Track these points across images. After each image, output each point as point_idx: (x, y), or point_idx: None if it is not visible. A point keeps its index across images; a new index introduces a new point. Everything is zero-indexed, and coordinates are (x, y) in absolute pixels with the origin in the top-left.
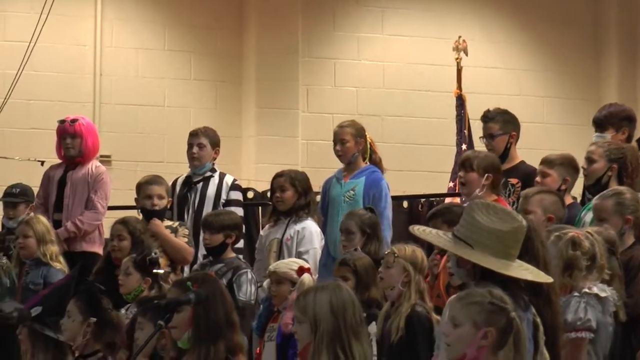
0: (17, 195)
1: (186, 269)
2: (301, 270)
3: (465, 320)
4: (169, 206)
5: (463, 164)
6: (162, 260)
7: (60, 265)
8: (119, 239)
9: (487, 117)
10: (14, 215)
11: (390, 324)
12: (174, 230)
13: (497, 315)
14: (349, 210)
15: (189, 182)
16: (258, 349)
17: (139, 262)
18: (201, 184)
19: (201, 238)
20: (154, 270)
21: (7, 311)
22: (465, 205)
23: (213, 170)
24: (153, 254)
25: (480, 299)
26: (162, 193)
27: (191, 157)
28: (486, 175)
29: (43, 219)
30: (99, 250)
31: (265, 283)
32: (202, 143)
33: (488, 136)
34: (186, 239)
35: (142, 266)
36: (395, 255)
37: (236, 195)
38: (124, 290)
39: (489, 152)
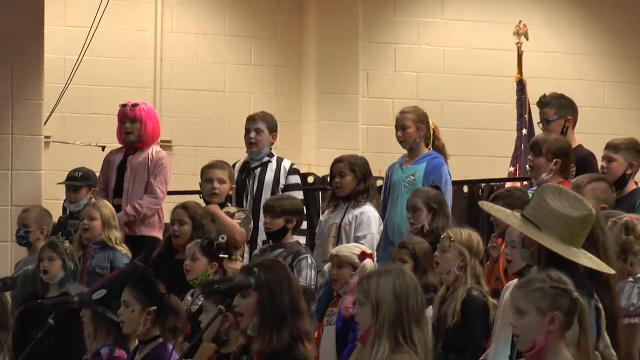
0: (80, 178)
1: (246, 255)
2: (363, 255)
3: (530, 308)
4: (231, 192)
5: (532, 147)
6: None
7: (125, 250)
8: (179, 224)
9: (542, 103)
10: (76, 199)
11: (446, 308)
12: (230, 216)
13: (561, 298)
14: (408, 195)
15: (246, 168)
16: (317, 333)
17: (206, 247)
18: (259, 169)
19: (261, 223)
20: (221, 255)
21: (76, 294)
22: (531, 189)
23: (270, 155)
24: (220, 238)
25: (541, 285)
26: (224, 177)
27: (248, 142)
28: (555, 160)
29: (109, 204)
30: (159, 234)
31: (326, 267)
32: (260, 128)
33: (544, 121)
34: (239, 221)
35: (208, 251)
36: (451, 239)
37: (295, 180)
38: (191, 276)
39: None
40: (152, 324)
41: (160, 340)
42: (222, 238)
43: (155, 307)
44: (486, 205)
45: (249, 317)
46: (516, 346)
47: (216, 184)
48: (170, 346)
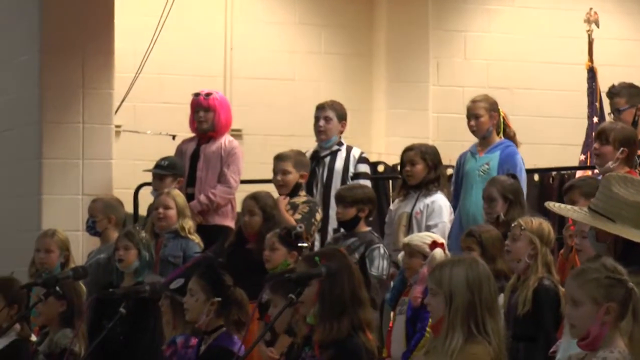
0: (165, 167)
1: (317, 244)
2: (434, 245)
3: (585, 299)
4: (303, 181)
5: (599, 136)
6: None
7: (197, 240)
8: (249, 215)
9: (612, 92)
10: (160, 187)
11: (516, 297)
12: (294, 207)
13: (616, 289)
14: (483, 184)
15: (316, 157)
16: (391, 322)
17: (284, 236)
18: (328, 157)
19: (331, 212)
20: (299, 244)
21: (144, 284)
22: (600, 177)
23: (340, 144)
24: (298, 227)
25: (596, 275)
26: (287, 168)
27: (318, 130)
28: (621, 149)
29: (181, 193)
30: (231, 223)
31: (400, 255)
32: (329, 116)
33: (615, 111)
34: (301, 216)
35: (287, 240)
36: (522, 228)
37: (364, 168)
38: (270, 265)
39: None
40: (215, 315)
41: (224, 329)
42: (300, 227)
43: (219, 299)
44: (552, 206)
45: (309, 305)
46: (570, 335)
47: (279, 177)
48: (236, 337)
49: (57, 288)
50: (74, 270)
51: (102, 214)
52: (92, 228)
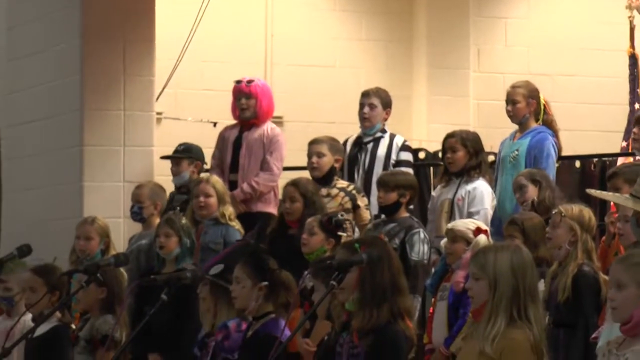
0: (181, 151)
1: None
2: (478, 231)
3: (630, 282)
4: (338, 166)
5: (638, 122)
6: None
7: (237, 226)
8: (290, 201)
9: None
10: (177, 171)
11: (557, 284)
12: (350, 195)
13: None
14: (513, 170)
15: (359, 143)
16: (431, 308)
17: (325, 223)
18: (371, 144)
19: (372, 199)
20: (339, 233)
21: (189, 270)
22: None
23: (383, 131)
24: (339, 215)
25: None
26: (323, 150)
27: (362, 117)
28: None
29: (220, 180)
30: (274, 210)
31: (443, 242)
32: (373, 103)
33: None
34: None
35: (327, 227)
36: (562, 214)
37: (406, 156)
38: (307, 249)
39: None
40: (264, 299)
41: (273, 315)
42: (342, 215)
43: (266, 283)
44: (594, 192)
45: (349, 292)
46: (612, 318)
47: (314, 158)
48: (282, 322)
49: (98, 275)
50: (115, 257)
51: (149, 200)
52: (137, 214)
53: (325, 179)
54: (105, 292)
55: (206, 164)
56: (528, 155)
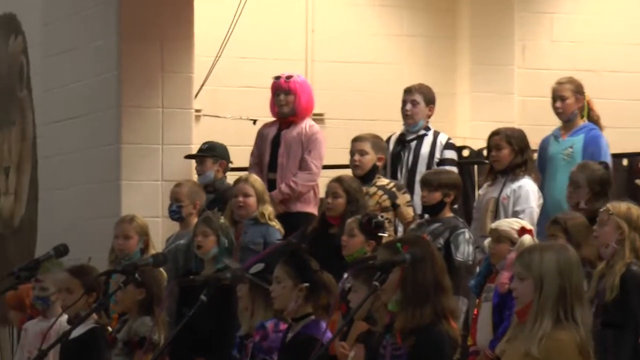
0: (204, 150)
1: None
2: (523, 231)
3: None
4: (380, 164)
5: None
6: None
7: (277, 226)
8: (333, 197)
9: None
10: (201, 170)
11: (604, 283)
12: (389, 192)
13: None
14: (568, 168)
15: (402, 140)
16: (476, 309)
17: (364, 224)
18: (415, 142)
19: (416, 198)
20: (379, 234)
21: (228, 270)
22: None
23: (427, 129)
24: (379, 217)
25: None
26: (365, 148)
27: (405, 114)
28: None
29: (259, 179)
30: (314, 210)
31: (486, 241)
32: (416, 100)
33: None
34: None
35: (367, 228)
36: (610, 212)
37: (450, 154)
38: (347, 251)
39: None
40: (304, 301)
41: (313, 317)
42: (382, 216)
43: (307, 284)
44: None
45: (390, 292)
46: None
47: (357, 156)
48: (323, 324)
49: (136, 275)
50: (154, 257)
51: (188, 199)
52: (176, 213)
53: (366, 177)
54: (144, 293)
55: (231, 162)
56: (585, 152)
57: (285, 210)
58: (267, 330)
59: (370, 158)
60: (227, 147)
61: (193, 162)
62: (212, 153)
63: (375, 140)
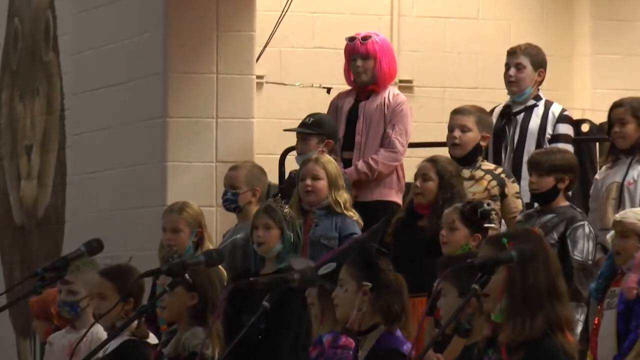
0: (310, 125)
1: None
2: None
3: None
4: (484, 144)
5: None
6: None
7: (355, 217)
8: (423, 179)
9: None
10: (303, 150)
11: None
12: (499, 179)
13: None
14: None
15: (507, 113)
16: (597, 318)
17: (467, 213)
18: (522, 115)
19: (523, 183)
20: (486, 225)
21: (293, 270)
22: None
23: (537, 98)
24: (485, 204)
25: None
26: (468, 124)
27: (508, 80)
28: None
29: (333, 160)
30: (397, 198)
31: (609, 236)
32: (522, 64)
33: None
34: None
35: (470, 219)
36: None
37: (565, 129)
38: (448, 248)
39: None
40: (370, 307)
41: (383, 327)
42: (488, 204)
43: (369, 284)
44: None
45: (495, 299)
46: None
47: (457, 133)
48: (399, 333)
49: (187, 276)
50: (206, 254)
51: (246, 185)
52: (232, 202)
53: (466, 159)
54: (196, 298)
55: (340, 141)
56: None
57: (358, 197)
58: (323, 345)
59: (473, 136)
60: (336, 124)
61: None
62: (319, 130)
63: (480, 115)
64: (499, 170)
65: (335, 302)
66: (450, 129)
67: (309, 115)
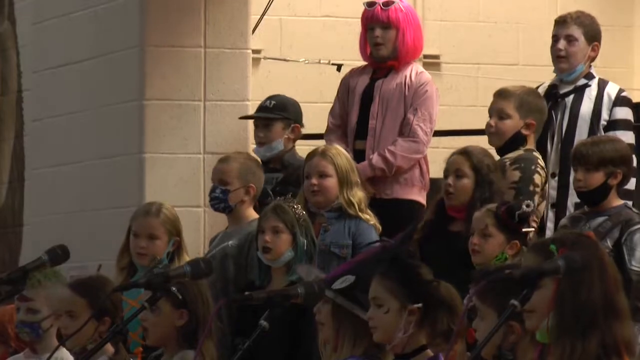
0: (272, 109)
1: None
2: None
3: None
4: (528, 133)
5: None
6: None
7: (372, 220)
8: (455, 176)
9: None
10: (266, 138)
11: None
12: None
13: None
14: None
15: (553, 95)
16: None
17: (503, 216)
18: (571, 96)
19: (571, 179)
20: (524, 229)
21: (295, 284)
22: None
23: (589, 77)
24: (524, 206)
25: None
26: (507, 109)
27: (556, 55)
28: None
29: (344, 152)
30: (420, 197)
31: None
32: (573, 35)
33: None
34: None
35: (507, 223)
36: None
37: (624, 113)
38: (480, 258)
39: None
40: (416, 327)
41: (429, 352)
42: (528, 206)
43: (419, 305)
44: None
45: (541, 315)
46: None
47: (493, 120)
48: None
49: (174, 291)
50: (193, 264)
51: (237, 181)
52: (221, 200)
53: (505, 149)
54: (186, 316)
55: (303, 126)
56: None
57: (376, 195)
58: None
59: (512, 124)
60: (300, 105)
61: (249, 127)
62: (282, 113)
63: (525, 97)
64: (517, 154)
65: (372, 324)
66: (490, 113)
67: (269, 98)
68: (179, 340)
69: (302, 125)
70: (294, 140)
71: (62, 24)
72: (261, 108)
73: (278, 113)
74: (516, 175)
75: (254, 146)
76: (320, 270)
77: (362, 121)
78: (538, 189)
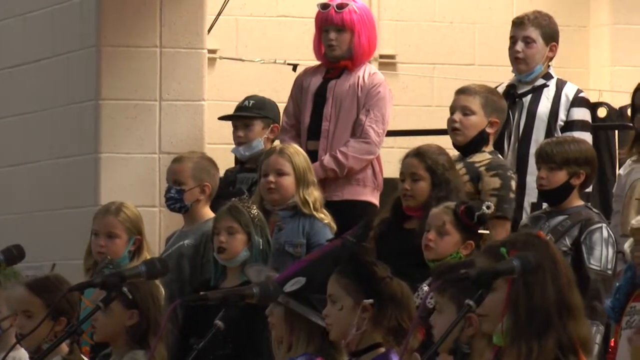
0: (251, 108)
1: None
2: None
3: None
4: (492, 132)
5: None
6: None
7: (327, 219)
8: (411, 179)
9: None
10: (246, 138)
11: None
12: (473, 173)
13: None
14: None
15: (511, 95)
16: (613, 339)
17: (462, 216)
18: (529, 97)
19: (529, 179)
20: (480, 230)
21: (250, 284)
22: None
23: (547, 77)
24: (484, 207)
25: None
26: (471, 106)
27: (514, 57)
28: None
29: (302, 151)
30: (373, 198)
31: (627, 245)
32: (530, 37)
33: None
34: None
35: (466, 223)
36: None
37: (581, 114)
38: (433, 254)
39: None
40: (371, 324)
41: (382, 350)
42: (488, 207)
43: (372, 300)
44: None
45: (496, 318)
46: None
47: (457, 116)
48: (394, 356)
49: (125, 290)
50: (148, 264)
51: (192, 180)
52: (176, 200)
53: (469, 148)
54: (137, 316)
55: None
56: None
57: (327, 197)
58: None
59: (477, 120)
60: (277, 105)
61: (205, 127)
62: (262, 112)
63: (489, 96)
64: (486, 158)
65: (328, 321)
66: (452, 111)
67: (247, 98)
68: (127, 340)
69: (280, 125)
70: (272, 141)
71: (17, 24)
72: (240, 108)
73: (257, 112)
74: (497, 182)
75: (209, 145)
76: (275, 269)
77: (314, 122)
78: (513, 195)
